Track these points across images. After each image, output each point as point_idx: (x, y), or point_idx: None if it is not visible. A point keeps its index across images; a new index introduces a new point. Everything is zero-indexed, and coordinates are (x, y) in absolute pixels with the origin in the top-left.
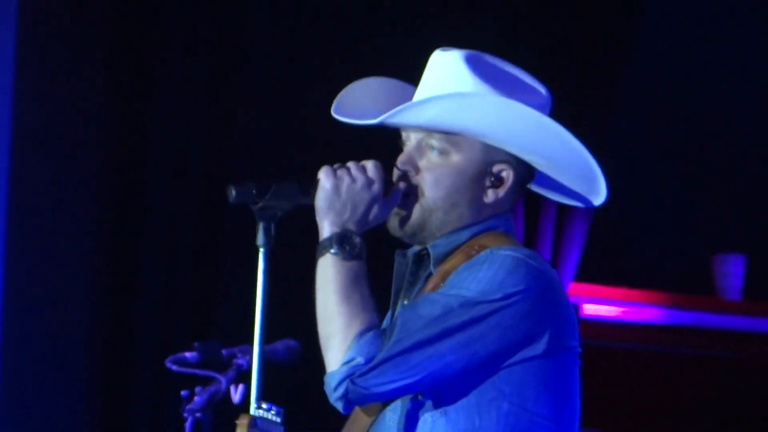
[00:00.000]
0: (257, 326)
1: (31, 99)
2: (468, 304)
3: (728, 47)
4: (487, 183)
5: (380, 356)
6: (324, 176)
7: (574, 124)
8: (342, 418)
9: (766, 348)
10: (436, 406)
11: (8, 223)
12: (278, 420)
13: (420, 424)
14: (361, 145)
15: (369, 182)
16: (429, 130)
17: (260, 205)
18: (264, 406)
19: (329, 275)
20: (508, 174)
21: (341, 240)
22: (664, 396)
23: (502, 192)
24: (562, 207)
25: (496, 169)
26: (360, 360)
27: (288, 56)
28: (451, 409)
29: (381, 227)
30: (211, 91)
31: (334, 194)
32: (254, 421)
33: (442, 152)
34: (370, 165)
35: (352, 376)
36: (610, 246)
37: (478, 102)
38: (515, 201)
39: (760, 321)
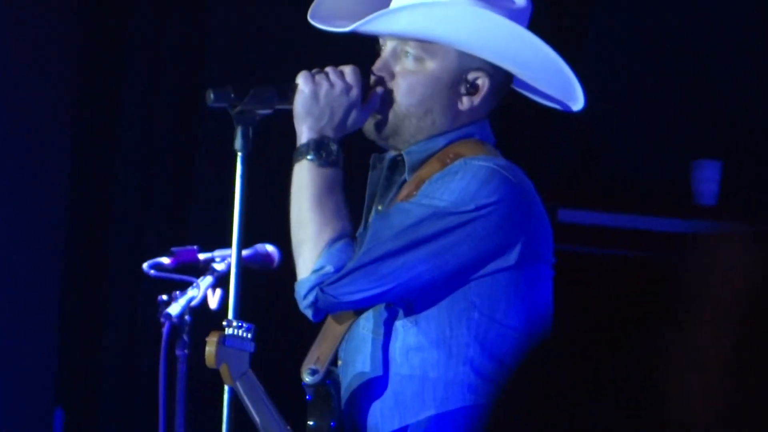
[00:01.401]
0: (235, 231)
1: None
2: (440, 214)
3: None
4: (462, 90)
5: (350, 265)
6: (302, 81)
7: (549, 33)
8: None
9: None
10: (407, 315)
11: None
12: (248, 336)
13: (392, 332)
14: (340, 49)
15: (347, 88)
16: (403, 39)
17: (238, 108)
18: (234, 323)
19: (304, 181)
20: (483, 81)
21: (318, 146)
22: (639, 301)
23: (477, 99)
24: (538, 112)
25: (471, 76)
26: (330, 268)
27: None
28: (421, 318)
29: (359, 133)
30: None
31: (313, 99)
32: (223, 340)
33: (417, 59)
34: (348, 70)
35: (321, 284)
36: (587, 152)
37: (450, 11)
38: (493, 107)
39: (735, 226)
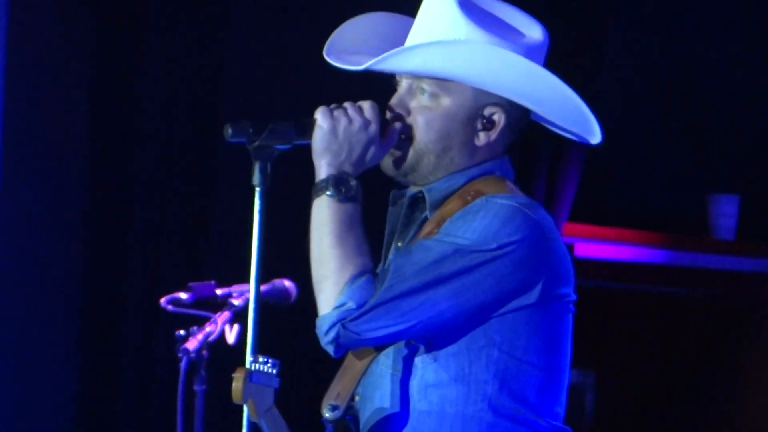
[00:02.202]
0: (253, 267)
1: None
2: (462, 252)
3: None
4: (479, 126)
5: (372, 302)
6: (321, 116)
7: (565, 66)
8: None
9: (759, 287)
10: (427, 351)
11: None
12: (274, 372)
13: (411, 368)
14: (357, 85)
15: (366, 123)
16: (418, 76)
17: (256, 144)
18: (260, 359)
19: (324, 217)
20: (499, 117)
21: (337, 182)
22: (658, 336)
23: (493, 135)
24: (556, 146)
25: (487, 112)
26: (351, 305)
27: None
28: (441, 354)
29: (377, 169)
30: (202, 28)
31: (331, 135)
32: (250, 375)
33: (432, 96)
34: (366, 105)
35: (343, 320)
36: (604, 186)
37: (465, 50)
38: (511, 142)
39: (753, 261)
